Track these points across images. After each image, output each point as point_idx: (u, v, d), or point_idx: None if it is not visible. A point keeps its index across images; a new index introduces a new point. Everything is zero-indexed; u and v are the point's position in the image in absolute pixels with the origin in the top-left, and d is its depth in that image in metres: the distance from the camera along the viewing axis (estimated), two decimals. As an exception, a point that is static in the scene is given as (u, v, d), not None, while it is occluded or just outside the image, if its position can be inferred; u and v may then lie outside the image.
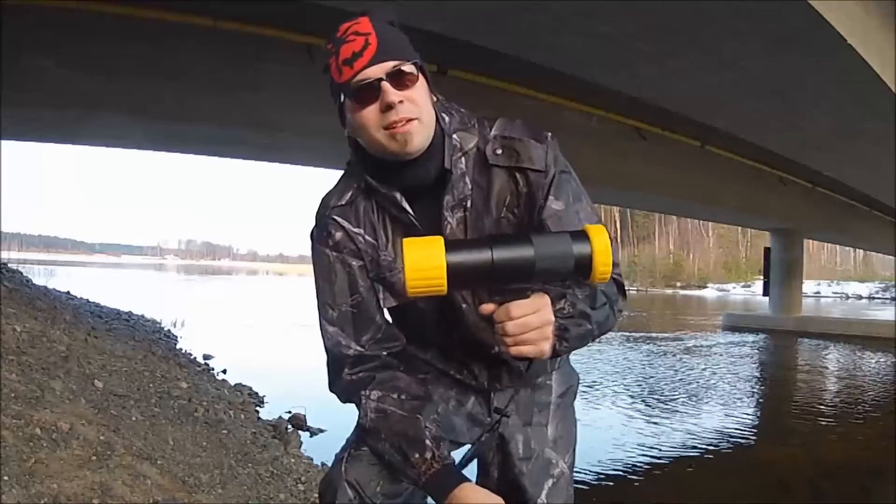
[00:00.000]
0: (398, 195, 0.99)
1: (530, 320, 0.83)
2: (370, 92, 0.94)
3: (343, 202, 1.03)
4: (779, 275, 17.39)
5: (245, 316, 15.81)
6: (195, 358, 7.75)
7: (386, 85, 0.93)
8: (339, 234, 1.02)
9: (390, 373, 1.04)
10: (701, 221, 54.83)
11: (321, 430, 5.08)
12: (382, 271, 1.03)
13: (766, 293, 18.15)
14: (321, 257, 1.04)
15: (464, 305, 1.04)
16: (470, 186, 1.01)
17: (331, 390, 1.10)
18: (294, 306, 19.57)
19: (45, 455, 2.29)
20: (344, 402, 1.09)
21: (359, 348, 1.04)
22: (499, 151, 1.03)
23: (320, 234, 1.04)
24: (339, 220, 1.03)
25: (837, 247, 51.65)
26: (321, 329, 1.06)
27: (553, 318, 0.86)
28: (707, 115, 7.92)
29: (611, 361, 10.08)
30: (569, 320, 0.89)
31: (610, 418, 6.16)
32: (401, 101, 0.94)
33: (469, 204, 1.01)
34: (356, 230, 1.02)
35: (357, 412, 1.05)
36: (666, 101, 7.34)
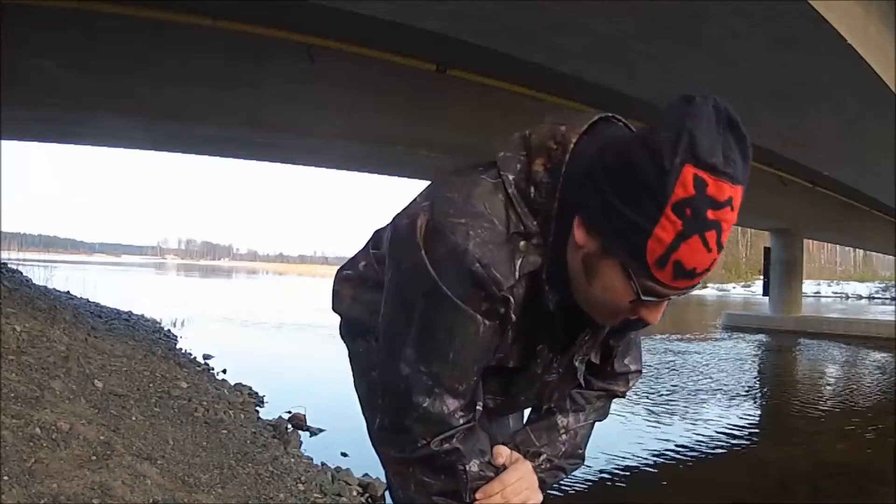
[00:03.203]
0: (558, 318, 0.91)
1: (520, 485, 0.98)
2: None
3: (515, 279, 0.86)
4: (779, 275, 17.39)
5: (245, 316, 15.81)
6: (195, 358, 7.75)
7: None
8: (502, 310, 0.87)
9: (473, 436, 0.97)
10: (701, 221, 54.71)
11: (321, 430, 5.09)
12: (493, 340, 0.92)
13: (766, 293, 18.16)
14: (467, 321, 0.86)
15: (548, 377, 1.04)
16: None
17: (394, 449, 0.98)
18: (294, 306, 19.57)
19: (45, 455, 2.29)
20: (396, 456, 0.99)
21: (464, 418, 0.94)
22: None
23: (475, 296, 0.85)
24: (509, 297, 0.86)
25: (837, 247, 51.65)
26: (428, 391, 0.90)
27: (535, 478, 1.02)
28: (707, 115, 7.90)
29: (611, 361, 10.06)
30: (546, 473, 1.06)
31: (609, 418, 6.13)
32: None
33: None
34: (513, 313, 0.88)
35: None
36: (666, 100, 7.31)
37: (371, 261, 1.13)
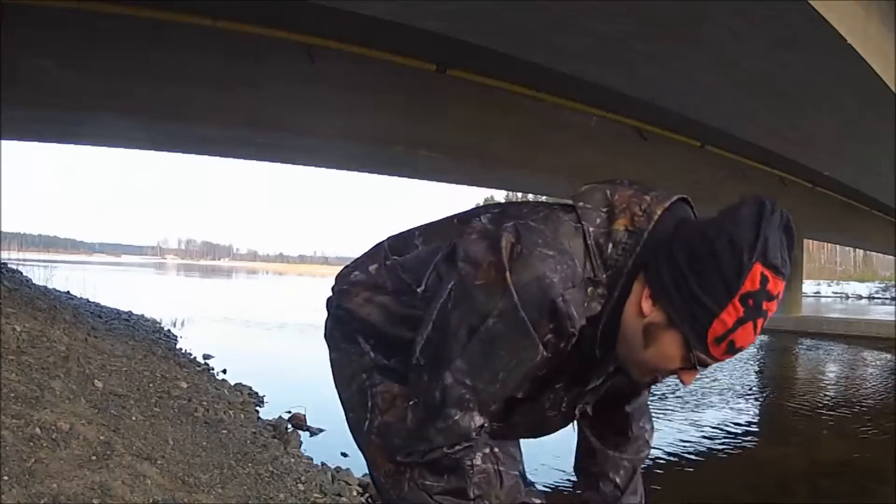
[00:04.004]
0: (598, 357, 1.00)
1: None
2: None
3: (583, 321, 0.93)
4: (779, 275, 17.38)
5: (245, 315, 15.81)
6: (195, 358, 7.74)
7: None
8: (562, 345, 0.93)
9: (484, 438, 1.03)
10: (701, 221, 54.80)
11: (321, 430, 5.08)
12: (535, 370, 0.98)
13: (766, 293, 18.14)
14: (531, 347, 0.91)
15: (550, 412, 1.08)
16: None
17: (401, 453, 1.00)
18: (294, 306, 19.58)
19: (45, 455, 2.29)
20: (411, 458, 1.00)
21: (478, 433, 0.98)
22: None
23: (547, 326, 0.90)
24: (575, 335, 0.93)
25: (837, 247, 51.68)
26: (463, 404, 0.94)
27: None
28: (707, 115, 7.92)
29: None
30: None
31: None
32: None
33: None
34: (569, 347, 0.95)
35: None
36: (666, 101, 7.34)
37: (385, 266, 1.13)
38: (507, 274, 0.89)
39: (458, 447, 0.96)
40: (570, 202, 0.98)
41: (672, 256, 0.88)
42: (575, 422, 1.16)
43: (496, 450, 1.03)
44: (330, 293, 1.21)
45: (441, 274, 1.01)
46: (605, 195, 0.97)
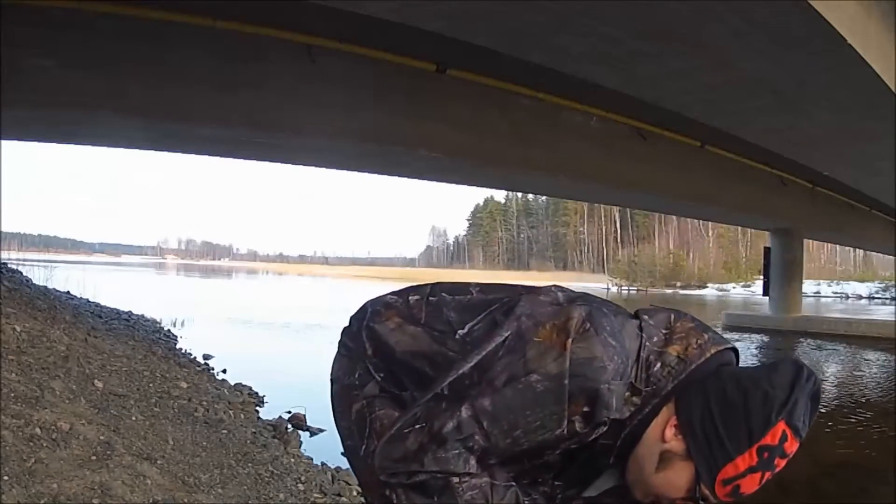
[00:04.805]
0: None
1: None
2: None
3: (614, 418, 0.94)
4: (779, 275, 17.38)
5: (245, 315, 15.81)
6: (195, 358, 7.75)
7: None
8: (587, 430, 0.94)
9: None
10: (701, 221, 54.88)
11: (321, 430, 5.08)
12: (547, 447, 0.98)
13: (766, 293, 18.15)
14: (559, 419, 0.92)
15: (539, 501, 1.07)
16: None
17: (386, 473, 0.98)
18: (294, 306, 19.57)
19: (45, 455, 2.29)
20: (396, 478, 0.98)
21: (476, 470, 0.97)
22: None
23: (581, 406, 0.92)
24: (604, 424, 0.94)
25: (837, 247, 51.65)
26: (467, 443, 0.93)
27: None
28: (707, 115, 7.92)
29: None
30: None
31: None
32: None
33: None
34: (591, 438, 0.95)
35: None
36: (666, 101, 7.34)
37: (428, 300, 1.13)
38: (569, 341, 0.92)
39: (443, 474, 0.95)
40: (636, 312, 1.04)
41: (707, 394, 0.94)
42: None
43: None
44: (357, 311, 1.19)
45: (497, 321, 1.02)
46: (668, 319, 1.02)
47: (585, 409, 0.92)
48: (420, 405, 0.98)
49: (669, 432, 0.95)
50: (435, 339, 1.07)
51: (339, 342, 1.18)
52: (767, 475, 0.91)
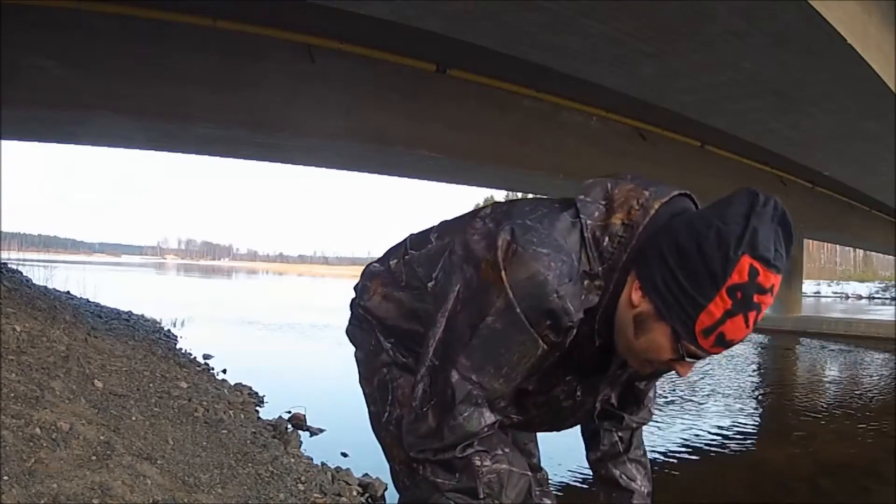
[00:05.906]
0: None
1: None
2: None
3: (581, 314, 0.94)
4: (779, 275, 17.37)
5: (245, 315, 15.80)
6: (195, 358, 7.74)
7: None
8: (561, 339, 0.95)
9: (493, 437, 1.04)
10: (701, 221, 54.74)
11: (321, 430, 5.08)
12: (539, 364, 0.99)
13: (766, 293, 18.13)
14: (531, 343, 0.94)
15: (565, 403, 1.10)
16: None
17: (415, 449, 1.02)
18: (294, 305, 19.57)
19: (45, 455, 2.29)
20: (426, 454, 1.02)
21: (491, 429, 1.01)
22: None
23: (545, 322, 0.93)
24: (573, 329, 0.95)
25: (837, 247, 51.65)
26: (472, 400, 0.97)
27: None
28: (707, 115, 7.92)
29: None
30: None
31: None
32: None
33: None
34: (568, 340, 0.97)
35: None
36: (666, 101, 7.34)
37: (403, 260, 1.16)
38: (503, 273, 0.92)
39: (469, 450, 0.99)
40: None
41: (661, 249, 0.89)
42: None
43: (507, 450, 1.04)
44: (357, 282, 1.26)
45: (447, 272, 1.04)
46: (605, 189, 0.98)
47: (548, 322, 0.92)
48: (422, 380, 1.01)
49: (636, 296, 0.92)
50: (415, 297, 1.11)
51: (350, 314, 1.24)
52: (753, 315, 0.85)
